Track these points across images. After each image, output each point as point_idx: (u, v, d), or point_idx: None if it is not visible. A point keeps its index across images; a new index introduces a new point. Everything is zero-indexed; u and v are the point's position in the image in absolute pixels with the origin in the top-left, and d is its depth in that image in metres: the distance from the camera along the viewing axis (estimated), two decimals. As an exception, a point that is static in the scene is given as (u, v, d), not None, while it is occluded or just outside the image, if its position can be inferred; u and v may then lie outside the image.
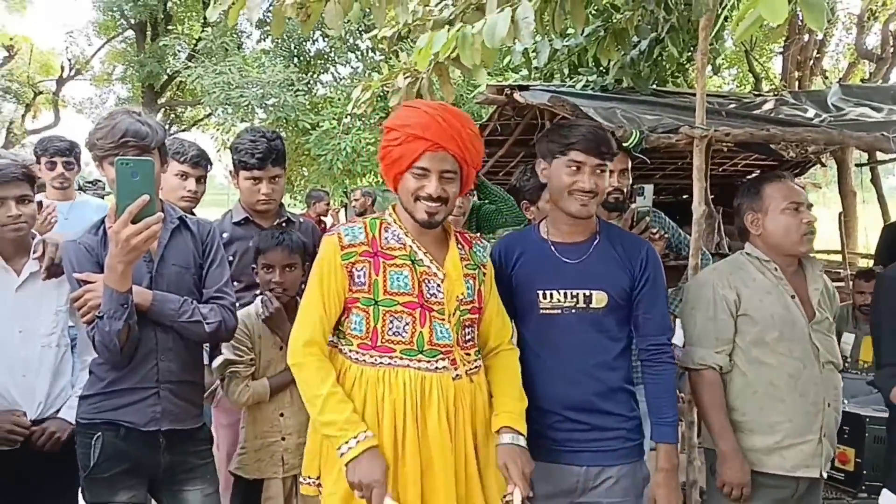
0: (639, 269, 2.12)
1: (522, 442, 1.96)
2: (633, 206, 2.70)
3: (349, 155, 9.97)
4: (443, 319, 1.92)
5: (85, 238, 2.11)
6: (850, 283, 5.40)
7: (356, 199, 8.00)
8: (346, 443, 1.81)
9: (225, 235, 2.60)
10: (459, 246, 2.02)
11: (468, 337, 1.99)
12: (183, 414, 2.14)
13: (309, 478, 2.03)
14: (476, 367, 1.99)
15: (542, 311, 2.11)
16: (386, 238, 1.95)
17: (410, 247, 1.94)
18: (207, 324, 2.09)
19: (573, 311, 2.09)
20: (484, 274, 2.05)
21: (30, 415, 2.24)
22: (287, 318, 2.41)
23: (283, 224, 2.77)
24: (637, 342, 2.16)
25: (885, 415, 3.13)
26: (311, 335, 1.94)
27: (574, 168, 2.06)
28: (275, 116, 10.74)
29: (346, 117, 10.06)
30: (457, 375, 1.92)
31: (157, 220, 1.85)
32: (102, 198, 5.37)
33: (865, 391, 3.62)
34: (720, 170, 6.89)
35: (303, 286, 2.45)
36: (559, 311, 2.10)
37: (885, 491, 2.32)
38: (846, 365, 3.93)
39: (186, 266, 2.16)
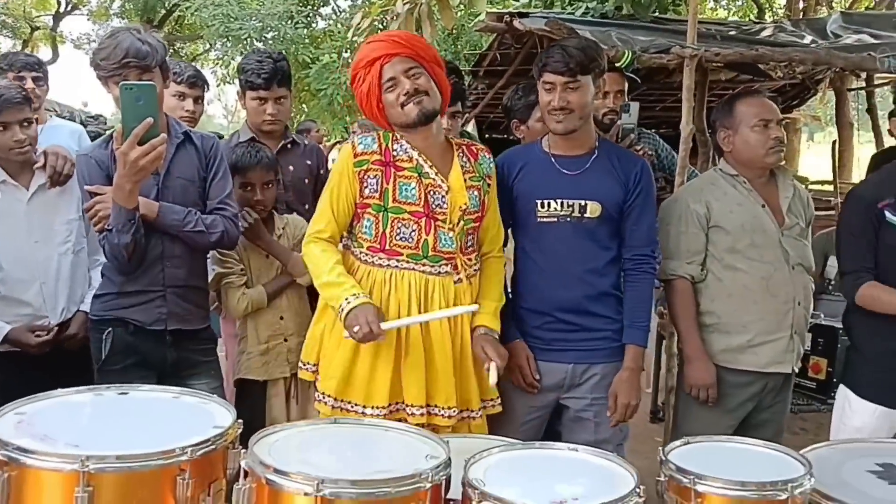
0: (633, 182, 2.25)
1: (496, 334, 2.16)
2: (618, 122, 2.78)
3: (350, 89, 9.88)
4: (447, 228, 2.06)
5: (96, 152, 2.24)
6: (839, 211, 5.48)
7: (355, 133, 7.97)
8: (346, 300, 1.98)
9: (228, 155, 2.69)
10: (464, 159, 2.15)
11: (470, 243, 2.15)
12: (188, 315, 2.29)
13: (308, 363, 2.20)
14: (475, 270, 2.17)
15: (539, 219, 2.26)
16: (396, 150, 2.09)
17: (417, 160, 2.07)
18: (210, 233, 2.23)
19: (568, 219, 2.24)
20: (489, 185, 2.18)
21: (53, 319, 2.39)
22: (266, 229, 2.56)
23: (289, 146, 2.86)
24: (623, 252, 2.30)
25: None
26: (316, 229, 2.13)
27: (548, 88, 2.19)
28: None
29: (345, 52, 9.97)
30: (458, 279, 2.09)
31: (162, 142, 1.95)
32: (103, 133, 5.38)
33: (839, 308, 3.79)
34: (719, 101, 6.86)
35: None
36: (555, 220, 2.25)
37: (841, 387, 2.48)
38: (829, 286, 4.07)
39: (191, 179, 2.28)
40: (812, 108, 7.66)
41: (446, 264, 2.08)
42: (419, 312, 2.05)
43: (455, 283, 2.09)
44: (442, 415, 2.06)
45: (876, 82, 6.02)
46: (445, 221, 2.07)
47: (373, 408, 2.05)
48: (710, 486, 1.38)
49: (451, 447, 1.46)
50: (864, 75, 5.73)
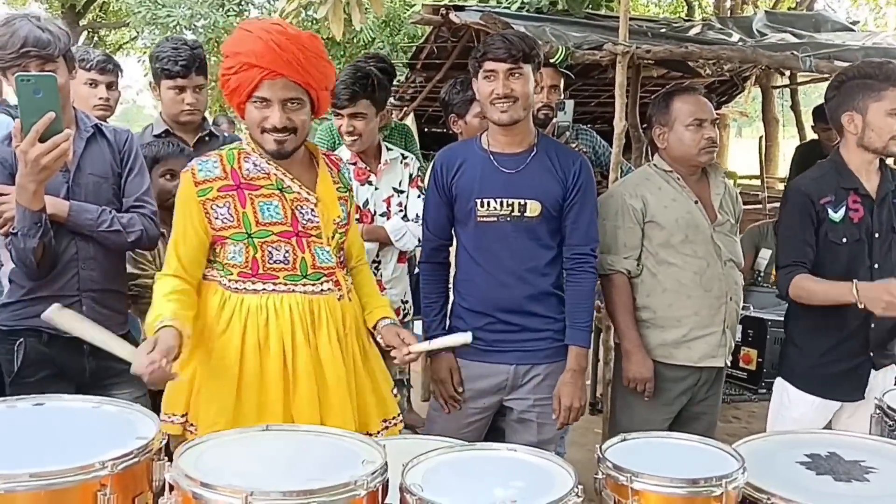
0: (572, 180, 2.24)
1: (397, 323, 2.08)
2: (553, 120, 2.79)
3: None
4: (322, 243, 1.92)
5: None
6: (766, 205, 5.70)
7: (216, 125, 7.40)
8: (159, 321, 1.75)
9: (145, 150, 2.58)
10: (328, 169, 2.02)
11: (342, 258, 2.03)
12: (106, 321, 2.11)
13: (174, 415, 1.93)
14: (350, 285, 2.05)
15: (479, 218, 2.24)
16: (248, 168, 1.89)
17: (275, 174, 1.89)
18: (129, 232, 2.11)
19: (508, 219, 2.22)
20: (351, 196, 2.10)
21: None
22: None
23: (206, 138, 2.74)
24: (564, 250, 2.29)
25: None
26: (166, 270, 1.92)
27: (489, 77, 2.15)
28: (205, 38, 10.31)
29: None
30: (341, 296, 1.96)
31: (66, 138, 1.80)
32: (14, 118, 5.09)
33: (774, 303, 3.92)
34: (651, 97, 7.02)
35: None
36: (495, 219, 2.23)
37: (778, 379, 2.55)
38: (759, 278, 4.21)
39: (104, 175, 2.15)
40: (740, 104, 7.94)
41: (327, 280, 1.93)
42: (306, 338, 1.87)
43: (339, 299, 1.95)
44: None
45: (799, 80, 6.25)
46: (320, 236, 1.92)
47: None
48: (647, 483, 1.38)
49: (389, 450, 1.42)
50: (787, 73, 5.94)
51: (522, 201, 2.21)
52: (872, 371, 2.40)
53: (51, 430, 1.48)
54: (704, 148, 2.40)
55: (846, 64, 3.13)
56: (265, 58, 1.78)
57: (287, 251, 1.89)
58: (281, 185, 1.91)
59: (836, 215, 2.34)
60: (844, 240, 2.32)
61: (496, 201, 2.22)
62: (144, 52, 12.24)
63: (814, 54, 3.06)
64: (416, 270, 3.49)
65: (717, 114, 8.27)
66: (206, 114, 2.88)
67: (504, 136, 2.24)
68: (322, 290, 1.93)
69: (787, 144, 8.79)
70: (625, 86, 2.84)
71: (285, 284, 1.89)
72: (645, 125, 2.56)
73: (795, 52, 3.08)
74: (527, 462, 1.50)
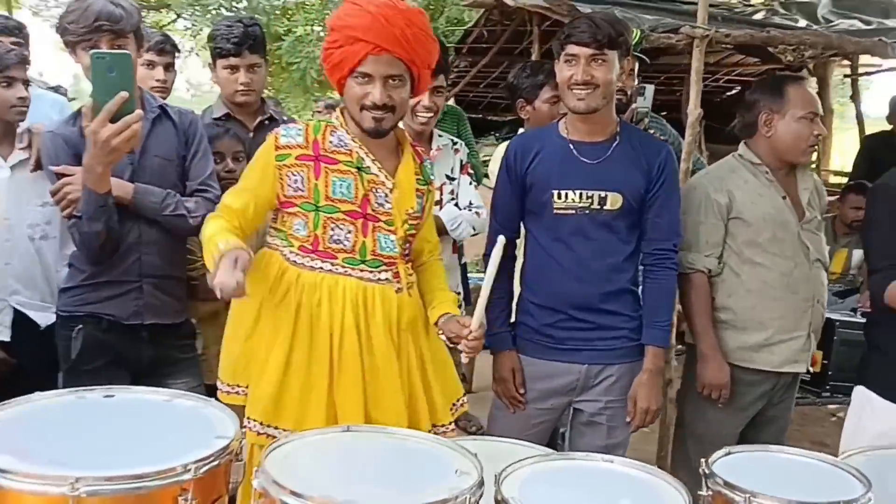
0: (656, 171, 2.11)
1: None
2: (633, 105, 2.65)
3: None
4: (390, 231, 1.84)
5: (62, 129, 2.03)
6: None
7: (318, 112, 7.57)
8: (219, 244, 1.68)
9: None
10: (413, 158, 1.93)
11: (408, 252, 1.93)
12: (166, 308, 2.10)
13: (238, 386, 1.87)
14: (413, 280, 1.95)
15: (555, 210, 2.11)
16: (331, 142, 1.83)
17: (357, 153, 1.83)
18: (192, 217, 2.04)
19: (587, 211, 2.09)
20: (430, 191, 2.00)
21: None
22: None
23: (266, 122, 2.64)
24: (643, 245, 2.16)
25: (853, 319, 3.26)
26: (219, 213, 1.86)
27: (570, 61, 2.02)
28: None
29: (318, 25, 9.65)
30: (399, 289, 1.87)
31: (138, 119, 1.74)
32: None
33: (832, 301, 3.76)
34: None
35: None
36: (573, 212, 2.10)
37: (859, 388, 2.40)
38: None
39: (169, 158, 2.09)
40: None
41: (387, 270, 1.85)
42: (356, 324, 1.79)
43: (397, 292, 1.86)
44: None
45: (860, 71, 6.00)
46: (390, 223, 1.85)
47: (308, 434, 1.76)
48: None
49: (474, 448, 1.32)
50: (848, 63, 5.71)
51: (603, 194, 2.08)
52: None
53: (125, 426, 1.41)
54: (812, 145, 2.28)
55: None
56: (372, 32, 1.72)
57: (350, 232, 1.82)
58: (361, 163, 1.83)
59: None
60: None
61: (575, 193, 2.09)
62: (184, 35, 12.23)
63: (902, 40, 2.89)
64: (464, 260, 3.41)
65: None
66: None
67: (584, 125, 2.11)
68: (379, 278, 1.84)
69: (845, 137, 8.48)
70: (701, 71, 2.69)
71: (343, 267, 1.82)
72: (743, 109, 2.38)
73: (884, 39, 2.91)
74: (628, 476, 1.40)
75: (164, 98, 2.71)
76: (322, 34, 9.55)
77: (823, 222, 2.43)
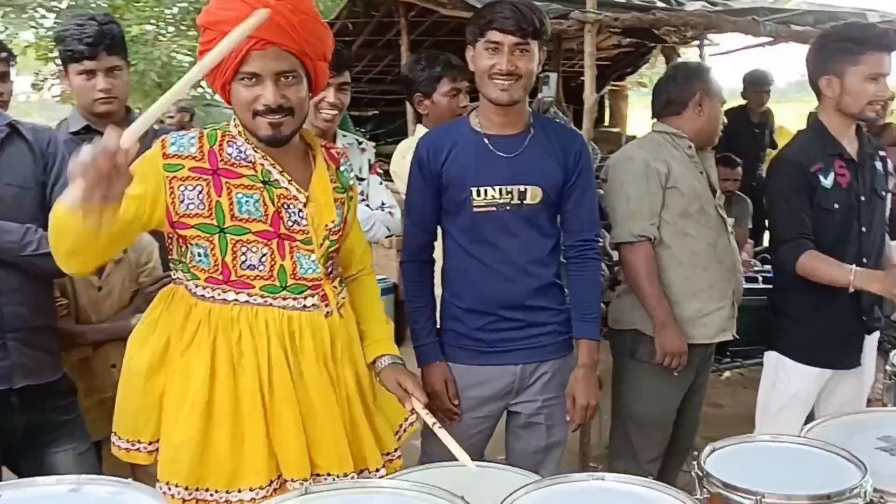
0: (573, 162, 2.04)
1: (400, 360, 1.80)
2: (539, 95, 2.58)
3: (164, 66, 8.91)
4: (309, 250, 1.63)
5: None
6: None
7: (171, 116, 7.01)
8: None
9: None
10: (326, 165, 1.72)
11: (332, 269, 1.73)
12: (38, 366, 1.78)
13: (140, 442, 1.62)
14: (343, 299, 1.76)
15: (475, 208, 1.98)
16: (230, 154, 1.59)
17: (261, 165, 1.59)
18: None
19: (507, 207, 1.98)
20: (351, 198, 1.79)
21: None
22: None
23: None
24: (565, 238, 2.10)
25: (751, 286, 3.41)
26: None
27: (492, 49, 1.90)
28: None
29: (152, 23, 8.93)
30: (328, 312, 1.67)
31: None
32: None
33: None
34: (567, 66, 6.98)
35: None
36: (494, 209, 1.98)
37: (771, 353, 2.48)
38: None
39: (26, 185, 1.77)
40: (639, 74, 8.12)
41: (312, 295, 1.64)
42: (286, 360, 1.58)
43: (326, 316, 1.66)
44: None
45: (706, 51, 6.38)
46: (308, 242, 1.63)
47: (246, 490, 1.55)
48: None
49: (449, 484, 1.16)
50: (695, 44, 6.04)
51: (522, 188, 1.99)
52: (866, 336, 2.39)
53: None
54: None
55: (801, 28, 3.12)
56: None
57: (264, 255, 1.59)
58: (267, 177, 1.59)
59: (827, 182, 2.29)
60: (836, 206, 2.28)
61: (494, 189, 1.98)
62: (-8, 40, 10.85)
63: (772, 18, 3.04)
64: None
65: (618, 85, 8.45)
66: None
67: (499, 117, 2.00)
68: (305, 305, 1.63)
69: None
70: (594, 56, 2.67)
71: (262, 296, 1.59)
72: (674, 87, 2.45)
73: (756, 18, 3.05)
74: (628, 493, 1.29)
75: (2, 112, 2.30)
76: (162, 33, 8.86)
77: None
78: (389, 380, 1.73)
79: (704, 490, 1.30)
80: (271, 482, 1.57)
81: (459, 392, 2.06)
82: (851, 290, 2.14)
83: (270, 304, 1.60)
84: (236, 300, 1.58)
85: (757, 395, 2.51)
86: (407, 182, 2.12)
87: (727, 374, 4.37)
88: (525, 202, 1.99)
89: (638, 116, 9.02)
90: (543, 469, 2.08)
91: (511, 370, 2.05)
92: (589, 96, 2.74)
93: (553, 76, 2.51)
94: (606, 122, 8.09)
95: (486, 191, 1.97)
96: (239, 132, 1.61)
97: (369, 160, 2.58)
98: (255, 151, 1.59)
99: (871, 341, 2.45)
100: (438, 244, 2.14)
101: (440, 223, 2.09)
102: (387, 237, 2.56)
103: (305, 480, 1.55)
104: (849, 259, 2.29)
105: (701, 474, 1.31)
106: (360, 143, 2.58)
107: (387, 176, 2.70)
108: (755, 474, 1.29)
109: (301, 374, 1.60)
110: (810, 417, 2.39)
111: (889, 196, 2.46)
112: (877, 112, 2.31)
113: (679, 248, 2.35)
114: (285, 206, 1.61)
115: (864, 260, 2.33)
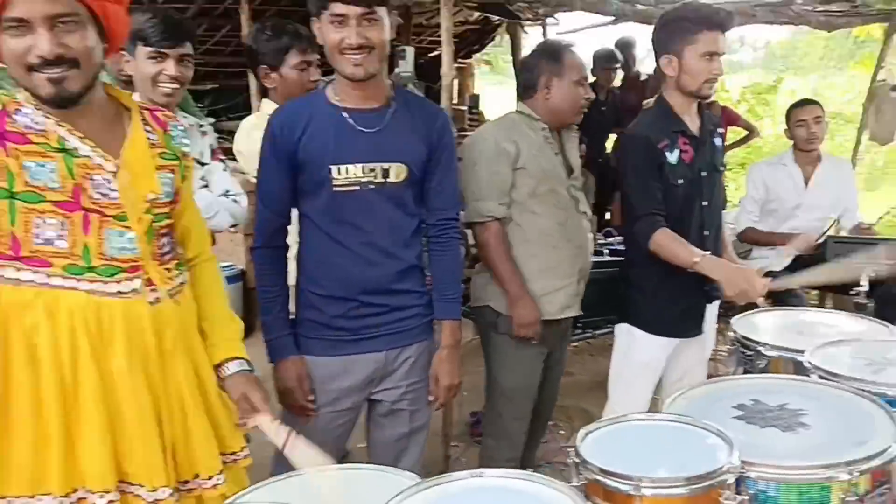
0: (436, 138, 1.97)
1: (249, 366, 1.66)
2: (396, 70, 2.47)
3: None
4: (123, 226, 1.44)
5: None
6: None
7: None
8: None
9: None
10: (147, 128, 1.52)
11: (166, 249, 1.55)
12: None
13: None
14: (181, 284, 1.58)
15: (335, 187, 1.86)
16: (18, 121, 1.38)
17: (55, 132, 1.39)
18: None
19: (371, 186, 1.88)
20: (186, 167, 1.60)
21: None
22: None
23: None
24: (428, 216, 2.03)
25: (598, 259, 3.53)
26: None
27: (338, 22, 1.77)
28: None
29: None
30: (156, 299, 1.48)
31: None
32: None
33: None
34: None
35: None
36: (356, 188, 1.87)
37: (622, 325, 2.57)
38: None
39: None
40: (485, 52, 8.20)
41: (130, 279, 1.44)
42: (93, 355, 1.39)
43: (152, 303, 1.47)
44: (147, 498, 1.44)
45: (549, 31, 6.54)
46: (120, 217, 1.44)
47: (48, 498, 1.37)
48: (657, 488, 1.21)
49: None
50: (539, 23, 6.17)
51: (386, 165, 1.89)
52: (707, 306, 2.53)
53: None
54: (583, 107, 2.45)
55: (645, 8, 3.23)
56: None
57: (63, 229, 1.39)
58: (63, 144, 1.39)
59: (672, 157, 2.38)
60: (681, 181, 2.38)
61: (356, 167, 1.86)
62: None
63: (620, -1, 3.13)
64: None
65: (465, 62, 8.49)
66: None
67: (357, 91, 1.88)
68: (120, 291, 1.43)
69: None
70: (451, 30, 2.59)
71: (63, 278, 1.40)
72: (524, 70, 2.46)
73: (608, -5, 3.12)
74: (510, 489, 1.24)
75: None
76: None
77: (582, 178, 2.56)
78: (235, 390, 1.59)
79: (581, 477, 1.27)
80: (73, 491, 1.38)
81: (320, 385, 1.95)
82: (691, 271, 2.25)
83: (74, 288, 1.39)
84: (32, 280, 1.37)
85: (604, 362, 2.65)
86: (258, 162, 1.95)
87: (572, 344, 4.56)
88: (389, 180, 1.90)
89: (487, 95, 9.15)
90: (407, 456, 2.05)
91: (375, 357, 1.97)
92: (447, 73, 2.67)
93: (410, 50, 2.42)
94: (455, 100, 8.12)
95: (346, 168, 1.86)
96: (26, 98, 1.37)
97: (211, 145, 2.39)
98: (47, 118, 1.37)
99: (712, 309, 2.60)
100: (293, 229, 2.00)
101: (296, 205, 1.95)
102: (231, 227, 2.36)
103: (108, 492, 1.38)
104: (693, 231, 2.41)
105: (577, 461, 1.29)
106: (200, 126, 2.37)
107: (228, 155, 2.48)
108: (630, 458, 1.29)
109: (109, 370, 1.41)
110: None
111: (724, 170, 2.61)
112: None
113: (528, 226, 2.42)
114: (88, 176, 1.40)
115: (706, 232, 2.46)
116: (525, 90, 2.47)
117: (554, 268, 2.44)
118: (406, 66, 2.42)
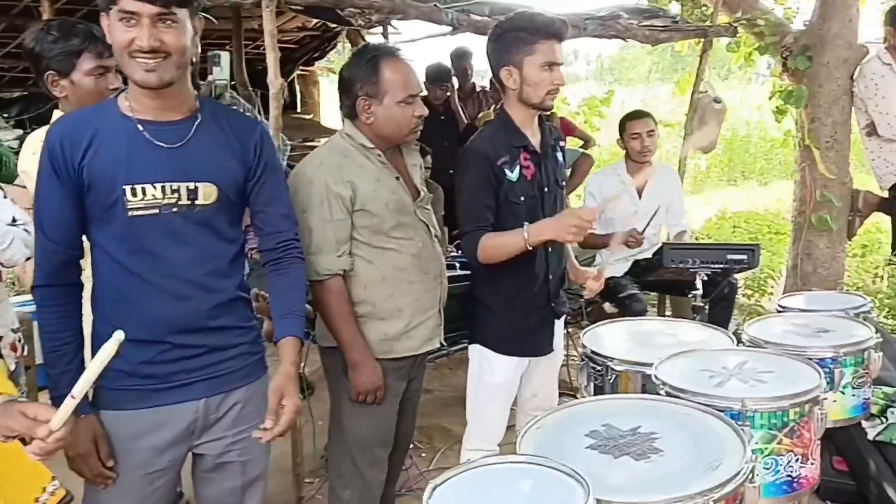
0: (254, 154, 1.73)
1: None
2: (209, 78, 2.18)
3: None
4: None
5: None
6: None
7: None
8: None
9: None
10: None
11: None
12: None
13: None
14: None
15: (131, 212, 1.59)
16: None
17: None
18: None
19: (175, 209, 1.62)
20: None
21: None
22: None
23: None
24: (261, 243, 1.80)
25: (451, 273, 3.41)
26: None
27: (128, 21, 1.52)
28: None
29: None
30: None
31: None
32: None
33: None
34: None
35: None
36: (156, 211, 1.61)
37: (475, 346, 2.47)
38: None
39: None
40: (328, 59, 7.95)
41: None
42: None
43: None
44: None
45: (392, 40, 6.42)
46: None
47: None
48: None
49: None
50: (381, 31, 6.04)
51: (192, 185, 1.63)
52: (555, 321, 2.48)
53: None
54: (416, 126, 2.15)
55: (480, 18, 3.16)
56: None
57: None
58: None
59: (513, 175, 2.31)
60: (522, 198, 2.31)
61: (155, 187, 1.60)
62: None
63: (453, 7, 3.02)
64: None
65: (307, 70, 8.21)
66: None
67: (153, 100, 1.61)
68: None
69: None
70: (276, 35, 2.36)
71: None
72: (341, 90, 2.14)
73: (439, 5, 3.00)
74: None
75: None
76: None
77: (432, 195, 2.39)
78: (10, 415, 1.32)
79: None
80: None
81: (128, 444, 1.66)
82: (530, 248, 2.15)
83: None
84: None
85: (464, 376, 2.50)
86: (35, 184, 1.63)
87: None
88: (197, 202, 1.64)
89: (331, 103, 8.91)
90: None
91: (192, 406, 1.70)
92: (274, 80, 2.42)
93: (225, 55, 2.15)
94: (299, 109, 7.81)
95: (143, 189, 1.59)
96: None
97: None
98: None
99: (559, 324, 2.56)
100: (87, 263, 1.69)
101: (87, 234, 1.65)
102: (27, 259, 2.01)
103: None
104: (535, 249, 2.33)
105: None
106: None
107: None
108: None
109: None
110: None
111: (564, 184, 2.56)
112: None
113: (381, 264, 2.16)
114: None
115: (550, 249, 2.40)
116: (348, 110, 2.17)
117: (412, 304, 2.21)
118: (221, 74, 2.15)
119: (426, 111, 2.15)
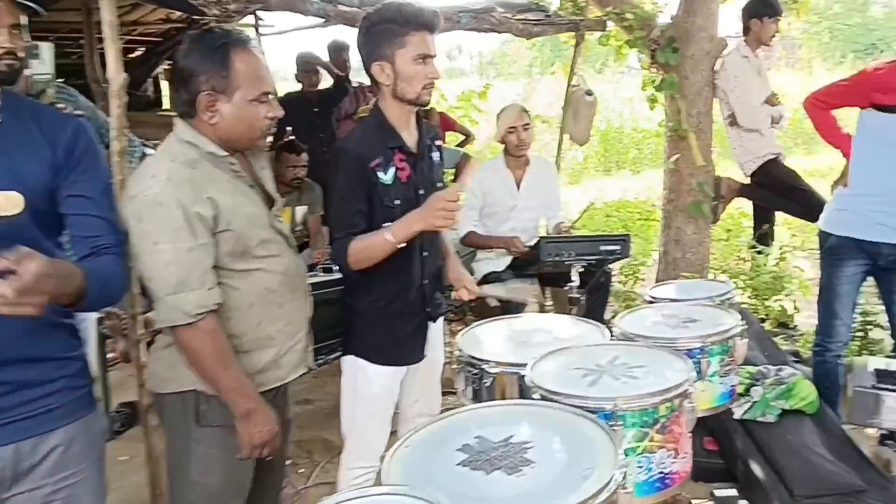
0: (64, 154, 1.54)
1: None
2: (27, 72, 1.91)
3: None
4: None
5: None
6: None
7: None
8: None
9: None
10: None
11: None
12: None
13: None
14: None
15: None
16: None
17: None
18: None
19: None
20: None
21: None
22: None
23: None
24: (74, 248, 1.58)
25: (314, 280, 3.27)
26: None
27: None
28: None
29: None
30: None
31: None
32: None
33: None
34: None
35: None
36: None
37: (349, 357, 2.35)
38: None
39: None
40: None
41: None
42: None
43: None
44: None
45: (262, 32, 6.15)
46: None
47: None
48: None
49: None
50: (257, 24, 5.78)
51: None
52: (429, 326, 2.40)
53: None
54: (267, 128, 1.86)
55: (348, 9, 3.02)
56: None
57: None
58: None
59: (387, 177, 2.20)
60: (398, 201, 2.20)
61: None
62: None
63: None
64: None
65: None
66: None
67: None
68: None
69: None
70: (115, 26, 2.13)
71: None
72: (178, 81, 1.79)
73: (300, -6, 2.84)
74: None
75: None
76: None
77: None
78: None
79: None
80: None
81: None
82: (401, 245, 2.06)
83: None
84: None
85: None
86: None
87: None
88: (1, 214, 1.44)
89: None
90: None
91: (0, 453, 1.50)
92: (115, 76, 2.18)
93: (45, 46, 1.89)
94: (165, 106, 7.32)
95: None
96: None
97: None
98: None
99: (437, 327, 2.48)
100: None
101: None
102: None
103: None
104: (413, 251, 2.24)
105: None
106: None
107: None
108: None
109: None
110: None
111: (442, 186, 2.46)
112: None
113: (249, 289, 1.86)
114: None
115: (425, 253, 2.32)
116: (184, 107, 1.81)
117: (282, 329, 1.93)
118: (44, 68, 1.89)
119: (281, 112, 1.91)
